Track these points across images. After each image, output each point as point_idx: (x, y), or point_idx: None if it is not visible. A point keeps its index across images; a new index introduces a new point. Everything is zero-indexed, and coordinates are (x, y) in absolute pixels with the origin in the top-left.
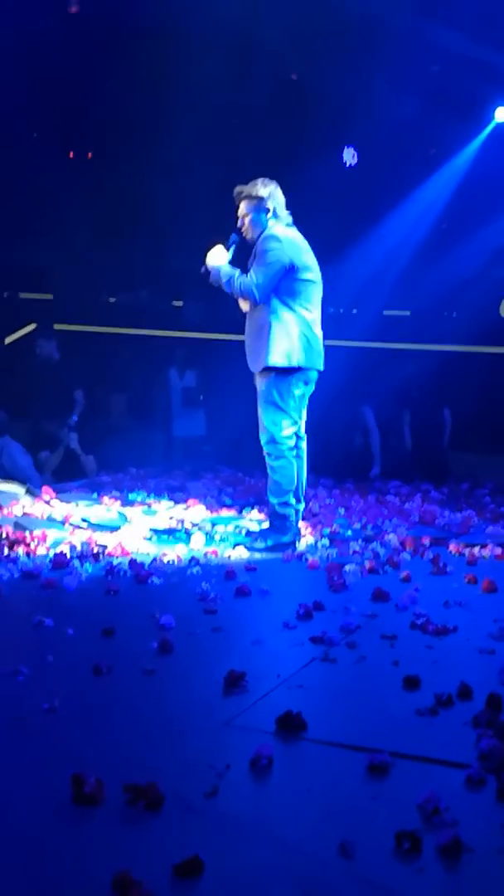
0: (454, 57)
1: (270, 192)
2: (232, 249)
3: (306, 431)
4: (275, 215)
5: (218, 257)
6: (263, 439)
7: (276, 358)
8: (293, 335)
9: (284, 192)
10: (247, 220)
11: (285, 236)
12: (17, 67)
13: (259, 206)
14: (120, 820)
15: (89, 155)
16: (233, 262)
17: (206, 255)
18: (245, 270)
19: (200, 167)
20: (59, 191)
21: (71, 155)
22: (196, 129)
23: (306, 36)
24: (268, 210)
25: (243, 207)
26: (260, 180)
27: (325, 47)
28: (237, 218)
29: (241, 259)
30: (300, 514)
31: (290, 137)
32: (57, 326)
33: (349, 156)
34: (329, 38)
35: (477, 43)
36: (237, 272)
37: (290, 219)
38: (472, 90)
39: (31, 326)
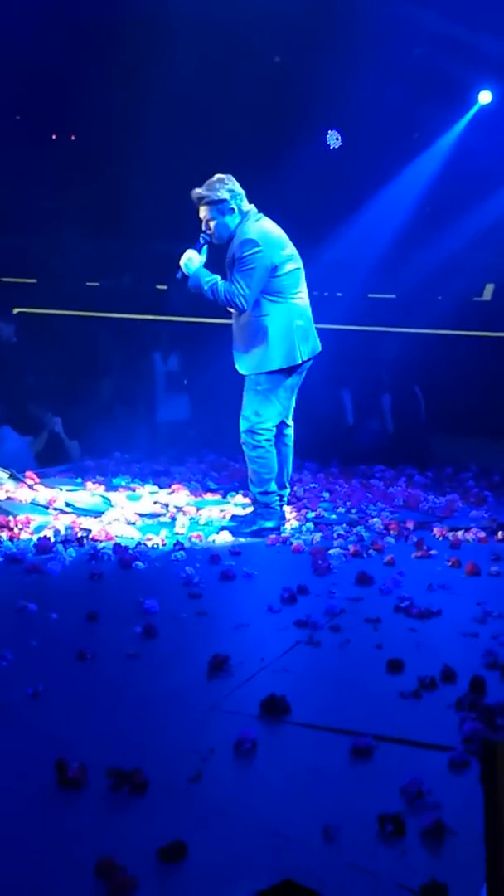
0: (437, 40)
1: (230, 190)
2: (204, 251)
3: (294, 419)
4: (240, 212)
5: (192, 261)
6: (243, 426)
7: (280, 361)
8: (290, 332)
9: (268, 178)
10: (212, 224)
11: (261, 235)
12: None
13: (222, 208)
14: (104, 805)
15: (72, 137)
16: (207, 265)
17: (178, 260)
18: (222, 273)
19: (184, 150)
20: (41, 173)
21: (54, 137)
22: (179, 111)
23: (288, 19)
24: (232, 210)
25: (205, 212)
26: (216, 180)
27: (308, 30)
28: (201, 221)
29: (215, 260)
30: (285, 500)
31: (274, 121)
32: (38, 310)
33: (333, 139)
34: (311, 21)
35: (459, 26)
36: (218, 278)
37: (254, 209)
38: (455, 73)
39: (14, 311)
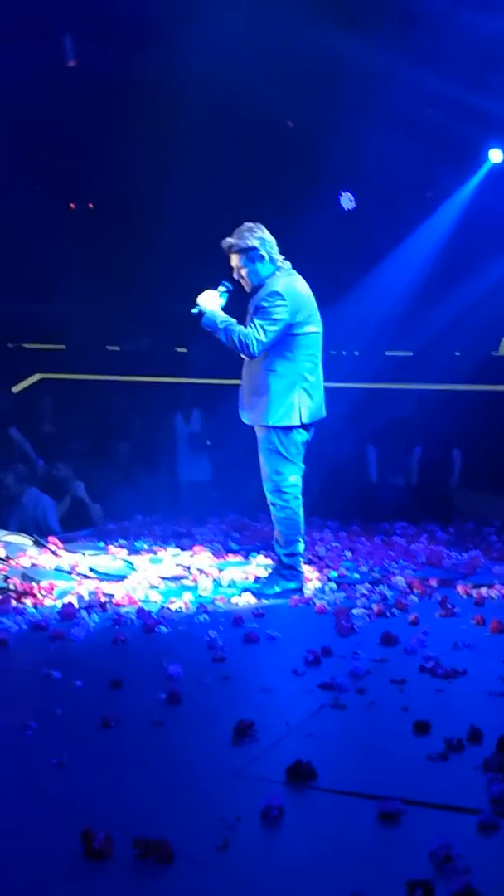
0: (447, 100)
1: (259, 238)
2: (224, 297)
3: (312, 477)
4: (271, 260)
5: (210, 301)
6: (267, 488)
7: (278, 418)
8: (294, 392)
9: (286, 239)
10: (244, 273)
11: (288, 290)
12: (17, 122)
13: (252, 255)
14: (130, 875)
15: (90, 205)
16: (225, 311)
17: (196, 298)
18: (240, 319)
19: (201, 215)
20: (60, 241)
21: (72, 206)
22: (194, 177)
23: (301, 84)
24: (262, 258)
25: (236, 260)
26: (246, 228)
27: (320, 95)
28: (232, 269)
29: (233, 309)
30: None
31: (289, 184)
32: (61, 375)
33: (347, 201)
34: (323, 85)
35: (468, 86)
36: (234, 322)
37: (286, 263)
38: (465, 132)
39: (37, 377)
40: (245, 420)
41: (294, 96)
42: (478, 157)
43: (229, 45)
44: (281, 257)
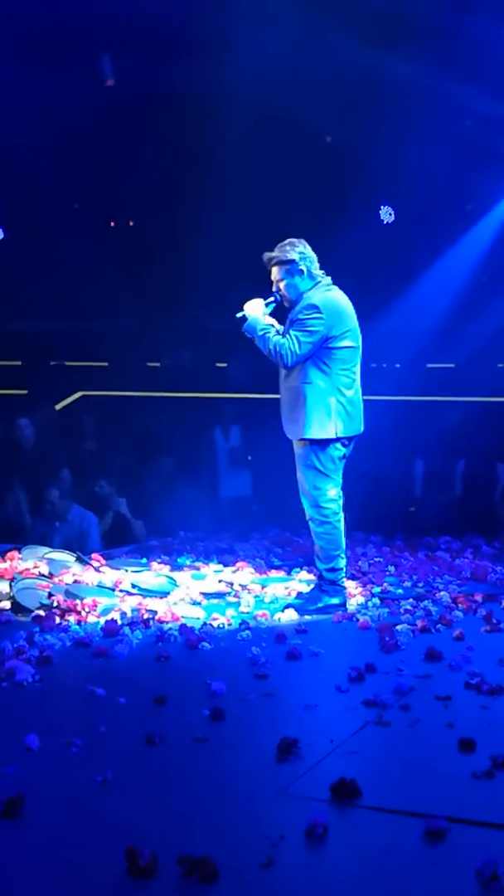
0: (486, 112)
1: (300, 252)
2: (270, 307)
3: (347, 489)
4: (310, 275)
5: (256, 309)
6: (306, 504)
7: (315, 431)
8: (331, 405)
9: (326, 253)
10: (282, 286)
11: (325, 304)
12: (56, 141)
13: (292, 269)
14: (175, 893)
15: (130, 223)
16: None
17: (244, 303)
18: (281, 330)
19: (240, 230)
20: (100, 259)
21: (112, 224)
22: (235, 193)
23: (340, 99)
24: (302, 272)
25: (276, 273)
26: (287, 243)
27: (358, 108)
28: (272, 283)
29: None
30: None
31: (328, 199)
32: (102, 392)
33: (386, 214)
34: (362, 99)
35: None
36: (273, 329)
37: (326, 278)
38: None
39: (79, 394)
40: (288, 435)
41: (333, 111)
42: None
43: (269, 61)
44: (321, 272)
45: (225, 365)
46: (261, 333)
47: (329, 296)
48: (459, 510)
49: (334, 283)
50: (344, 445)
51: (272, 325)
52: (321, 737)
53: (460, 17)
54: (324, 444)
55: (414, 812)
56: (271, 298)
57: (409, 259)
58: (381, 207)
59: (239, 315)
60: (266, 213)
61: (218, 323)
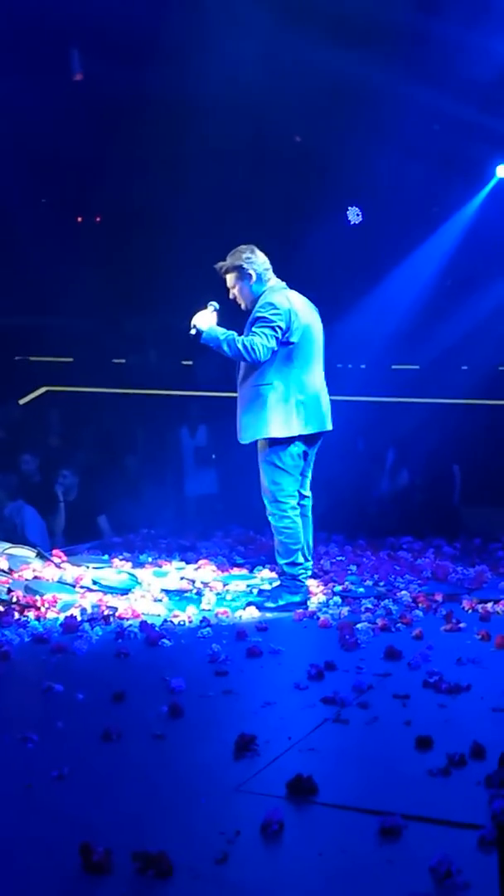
0: (454, 116)
1: (247, 258)
2: (215, 313)
3: (312, 490)
4: (259, 279)
5: (206, 320)
6: (266, 499)
7: (274, 431)
8: (290, 403)
9: (293, 253)
10: (236, 292)
11: (281, 302)
12: (24, 135)
13: (241, 274)
14: (129, 889)
15: (97, 219)
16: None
17: (192, 319)
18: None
19: (207, 228)
20: (67, 254)
21: (79, 220)
22: (202, 191)
23: (309, 101)
24: (250, 276)
25: (230, 280)
26: (237, 250)
27: (326, 111)
28: (227, 290)
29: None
30: (308, 573)
31: (296, 198)
32: (67, 388)
33: (353, 215)
34: (330, 100)
35: (476, 104)
36: (234, 333)
37: (278, 281)
38: (472, 149)
39: (43, 389)
40: (241, 440)
41: (303, 113)
42: (484, 173)
43: (239, 64)
44: (273, 276)
45: (191, 363)
46: (223, 338)
47: (283, 294)
48: (420, 511)
49: (302, 283)
50: (306, 444)
51: (231, 331)
52: (279, 734)
53: (428, 21)
54: (284, 442)
55: (370, 809)
56: (211, 306)
57: (375, 260)
58: (349, 208)
59: (192, 332)
60: (234, 212)
61: (184, 321)
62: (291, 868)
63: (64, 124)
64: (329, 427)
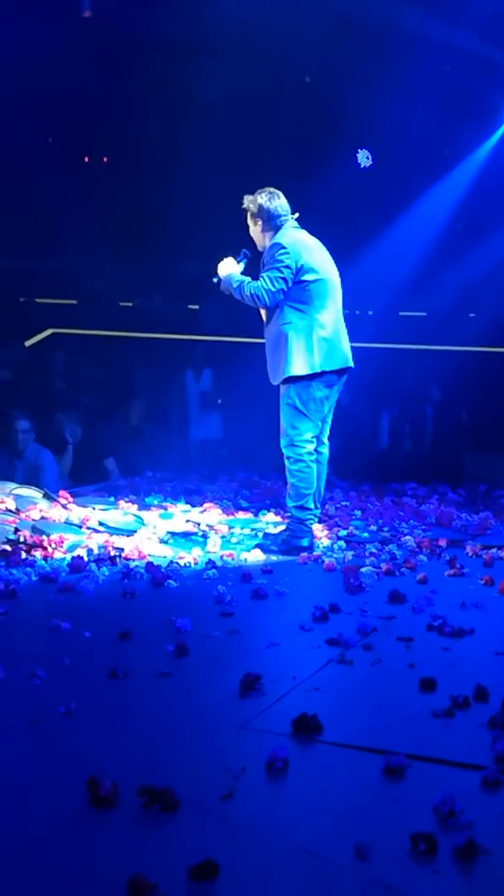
0: (466, 56)
1: (264, 202)
2: (242, 263)
3: (329, 437)
4: (272, 224)
5: (229, 267)
6: (283, 443)
7: (296, 368)
8: (312, 341)
9: (303, 196)
10: (252, 233)
11: (290, 241)
12: (31, 73)
13: (256, 217)
14: (135, 823)
15: (104, 159)
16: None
17: (217, 266)
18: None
19: (215, 171)
20: (73, 195)
21: (86, 160)
22: (210, 132)
23: (318, 40)
24: (262, 220)
25: (249, 221)
26: (257, 193)
27: (337, 50)
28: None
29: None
30: (315, 519)
31: (305, 141)
32: (73, 331)
33: (363, 158)
34: (340, 40)
35: (488, 42)
36: (247, 279)
37: (292, 220)
38: (484, 91)
39: (49, 331)
40: (273, 381)
41: (312, 53)
42: (497, 115)
43: (249, 2)
44: (291, 220)
45: (197, 307)
46: (236, 285)
47: (293, 234)
48: (426, 458)
49: (312, 225)
50: (328, 386)
51: (247, 277)
52: (284, 674)
53: None
54: (305, 383)
55: (374, 748)
56: (241, 256)
57: (384, 204)
58: (359, 151)
59: (215, 280)
60: (242, 154)
61: (190, 264)
62: (296, 805)
63: (72, 62)
64: (351, 364)
